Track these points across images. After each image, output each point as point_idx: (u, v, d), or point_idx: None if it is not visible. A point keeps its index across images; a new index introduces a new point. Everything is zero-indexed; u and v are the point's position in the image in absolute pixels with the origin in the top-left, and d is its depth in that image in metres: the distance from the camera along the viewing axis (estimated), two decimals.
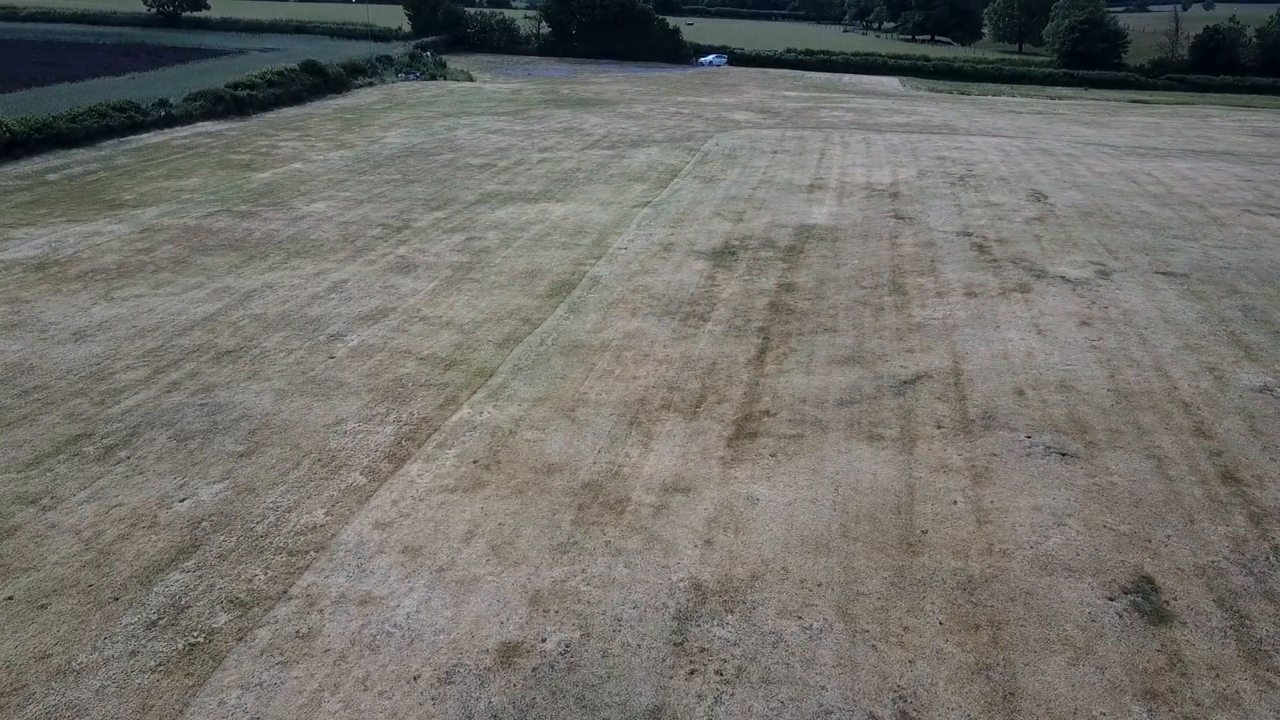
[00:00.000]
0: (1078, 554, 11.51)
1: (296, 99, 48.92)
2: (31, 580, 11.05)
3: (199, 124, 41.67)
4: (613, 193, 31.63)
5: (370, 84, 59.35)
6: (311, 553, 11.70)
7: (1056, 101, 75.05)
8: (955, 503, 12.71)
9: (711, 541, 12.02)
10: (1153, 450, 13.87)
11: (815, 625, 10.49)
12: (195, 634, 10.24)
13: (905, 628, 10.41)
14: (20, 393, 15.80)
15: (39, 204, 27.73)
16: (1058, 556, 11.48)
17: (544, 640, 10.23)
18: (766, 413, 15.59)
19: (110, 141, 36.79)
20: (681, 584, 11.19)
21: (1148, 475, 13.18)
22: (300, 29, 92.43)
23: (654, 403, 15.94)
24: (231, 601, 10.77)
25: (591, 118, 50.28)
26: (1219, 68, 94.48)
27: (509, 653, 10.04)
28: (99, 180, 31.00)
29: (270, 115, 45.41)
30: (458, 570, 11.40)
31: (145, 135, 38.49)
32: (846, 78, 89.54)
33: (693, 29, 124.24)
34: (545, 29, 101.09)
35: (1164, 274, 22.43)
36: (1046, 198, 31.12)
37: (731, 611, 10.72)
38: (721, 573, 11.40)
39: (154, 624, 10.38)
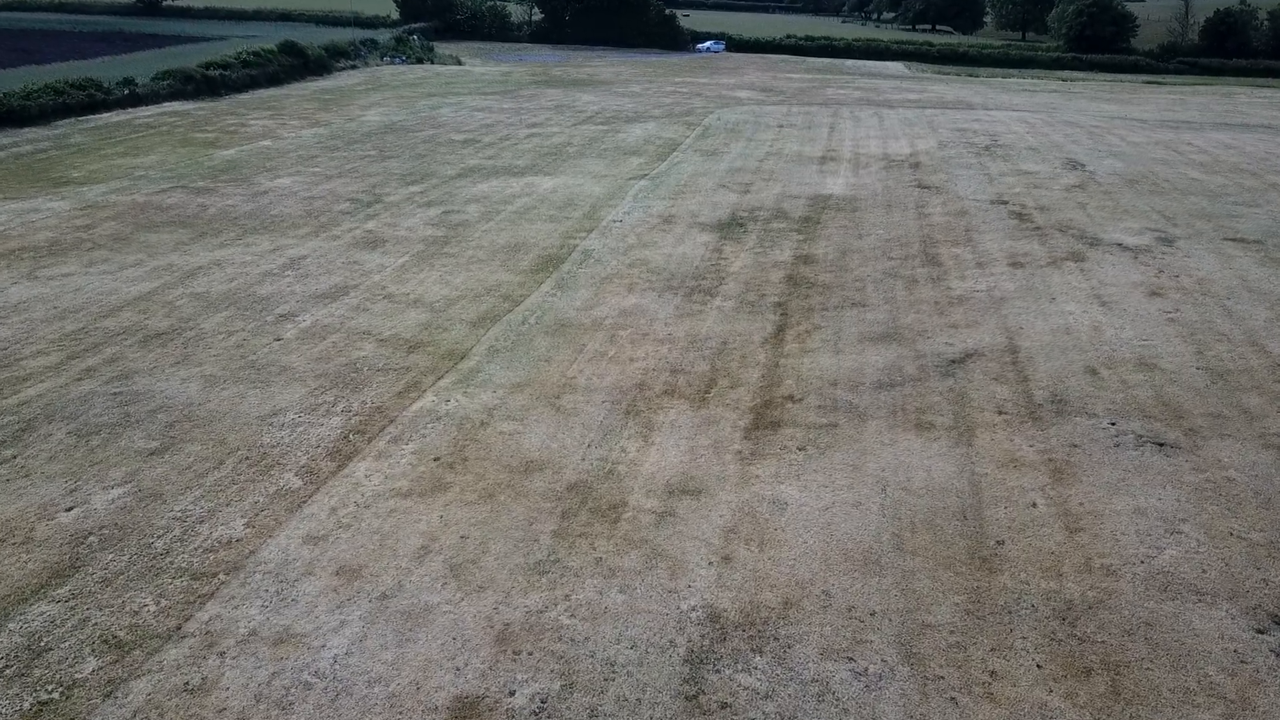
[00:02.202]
0: (1204, 571, 8.96)
1: (274, 80, 46.28)
2: None
3: (166, 104, 39.02)
4: (606, 166, 29.07)
5: (353, 67, 56.69)
6: (221, 575, 9.15)
7: (1070, 82, 72.42)
8: (1034, 505, 10.17)
9: (730, 558, 9.48)
10: (1270, 439, 11.31)
11: (872, 670, 7.94)
12: (49, 688, 7.69)
13: (992, 673, 7.86)
14: None
15: None
16: (1178, 574, 8.92)
17: (512, 693, 7.69)
18: (790, 398, 13.04)
19: (67, 120, 34.14)
20: (694, 614, 8.65)
21: (1272, 469, 10.63)
22: (285, 16, 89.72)
23: (655, 388, 13.39)
24: (106, 642, 8.22)
25: (584, 96, 47.67)
26: (1230, 51, 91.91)
27: (465, 711, 7.50)
28: (48, 158, 28.41)
29: (244, 96, 42.77)
30: (405, 598, 8.85)
31: (106, 115, 35.84)
32: (849, 62, 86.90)
33: (689, 20, 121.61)
34: (538, 15, 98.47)
35: (1234, 240, 19.87)
36: (1084, 166, 28.53)
37: (760, 651, 8.18)
38: (745, 598, 8.87)
39: None
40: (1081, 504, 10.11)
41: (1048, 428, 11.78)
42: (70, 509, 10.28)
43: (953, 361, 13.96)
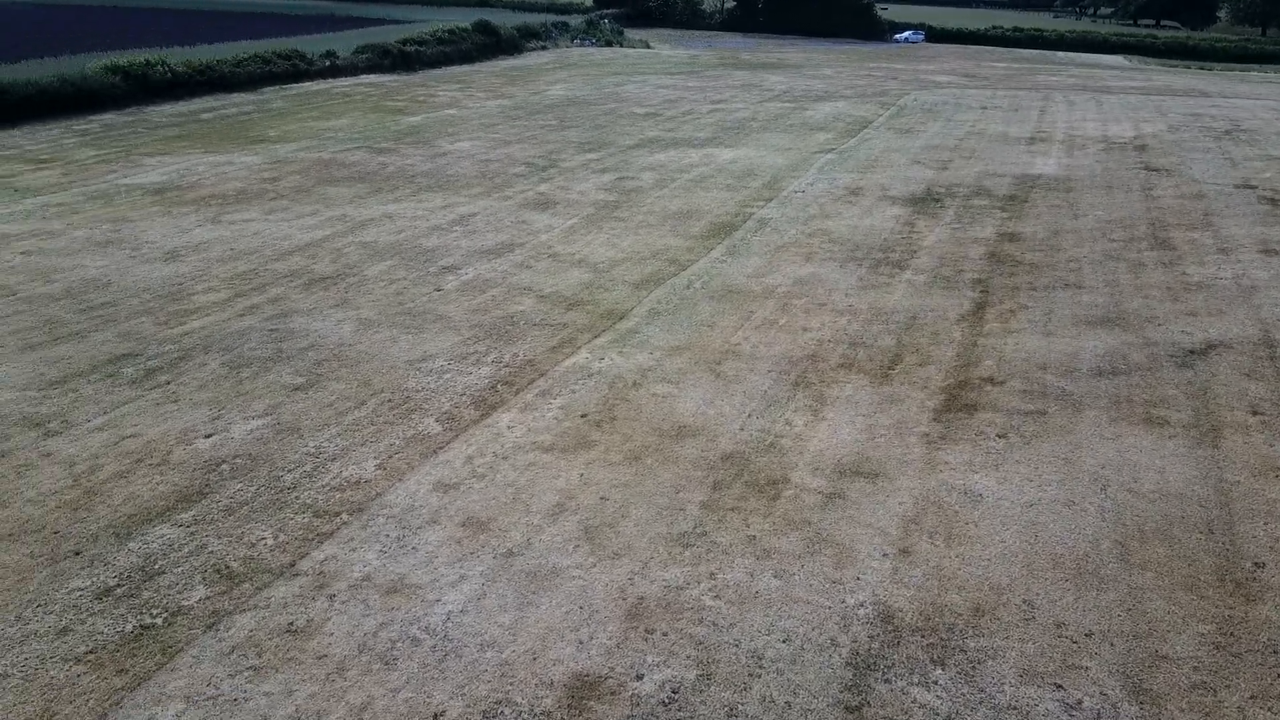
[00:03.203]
0: None
1: (466, 57, 47.21)
2: None
3: (363, 76, 40.39)
4: (791, 140, 27.54)
5: (543, 48, 57.31)
6: (344, 515, 8.50)
7: None
8: None
9: (910, 551, 8.00)
10: None
11: (1088, 704, 6.32)
12: (154, 612, 7.18)
13: None
14: (84, 309, 13.54)
15: (183, 138, 26.44)
16: None
17: (640, 677, 6.56)
18: (990, 380, 11.30)
19: (271, 88, 35.79)
20: (862, 611, 7.25)
21: None
22: (483, 2, 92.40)
23: (830, 360, 11.95)
24: (218, 572, 7.67)
25: (772, 77, 46.06)
26: None
27: (584, 691, 6.43)
28: (249, 120, 29.68)
29: (437, 71, 43.77)
30: (532, 557, 7.89)
31: (308, 84, 37.38)
32: (1061, 54, 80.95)
33: (889, 12, 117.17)
34: (730, 3, 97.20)
35: None
36: None
37: (942, 664, 6.70)
38: (925, 599, 7.38)
39: (108, 592, 7.40)
40: None
41: None
42: (209, 436, 9.95)
43: (1191, 352, 11.77)
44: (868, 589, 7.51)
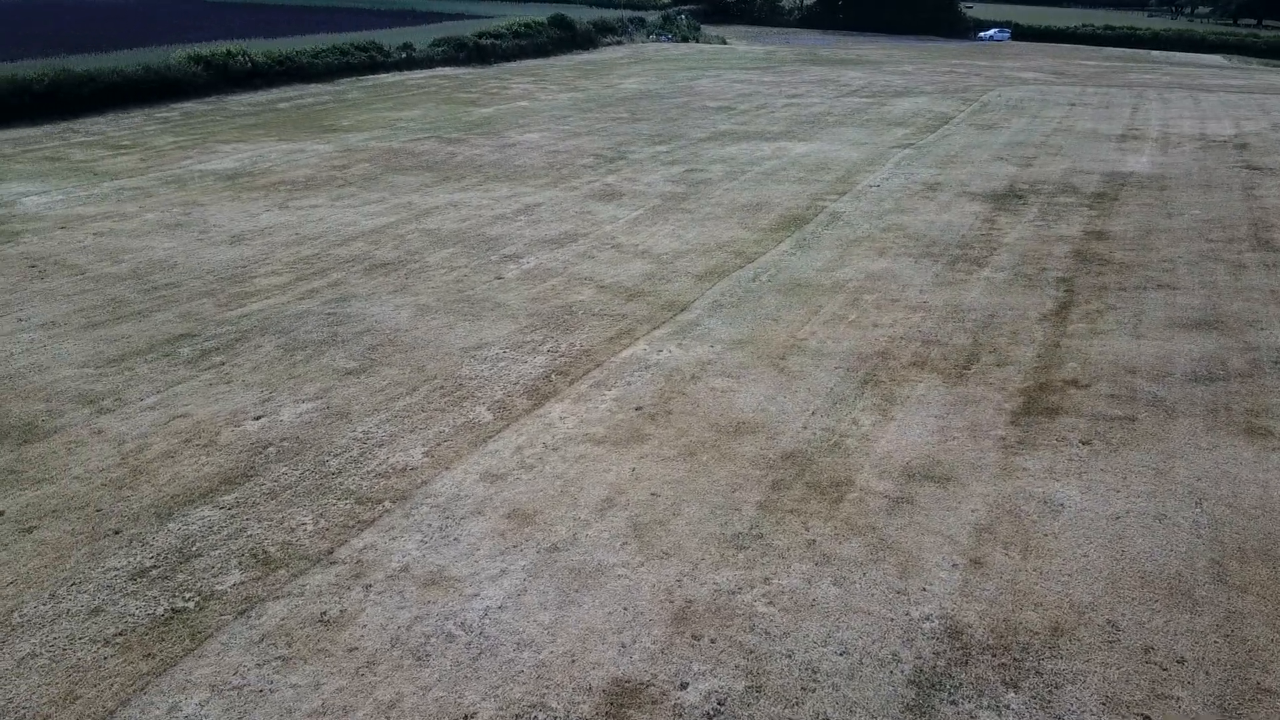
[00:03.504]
0: None
1: (541, 51, 47.19)
2: (37, 495, 8.28)
3: (438, 68, 40.61)
4: (867, 135, 26.73)
5: (619, 42, 57.04)
6: (386, 503, 8.23)
7: None
8: None
9: (982, 562, 7.40)
10: None
11: None
12: (188, 595, 6.99)
13: None
14: (147, 289, 13.61)
15: (258, 127, 26.80)
16: None
17: (684, 686, 6.12)
18: (1074, 383, 10.57)
19: (348, 79, 36.16)
20: (928, 625, 6.70)
21: None
22: None
23: (901, 358, 11.34)
24: (255, 557, 7.46)
25: (850, 72, 45.05)
26: None
27: (624, 698, 6.02)
28: (325, 110, 29.97)
29: (511, 64, 43.81)
30: (577, 553, 7.51)
31: (384, 75, 37.71)
32: (1155, 53, 77.82)
33: (973, 10, 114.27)
34: (810, 0, 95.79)
35: None
36: None
37: (1015, 686, 6.12)
38: (998, 615, 6.79)
39: (143, 573, 7.24)
40: None
41: None
42: (258, 418, 9.81)
43: None
44: (935, 601, 6.95)
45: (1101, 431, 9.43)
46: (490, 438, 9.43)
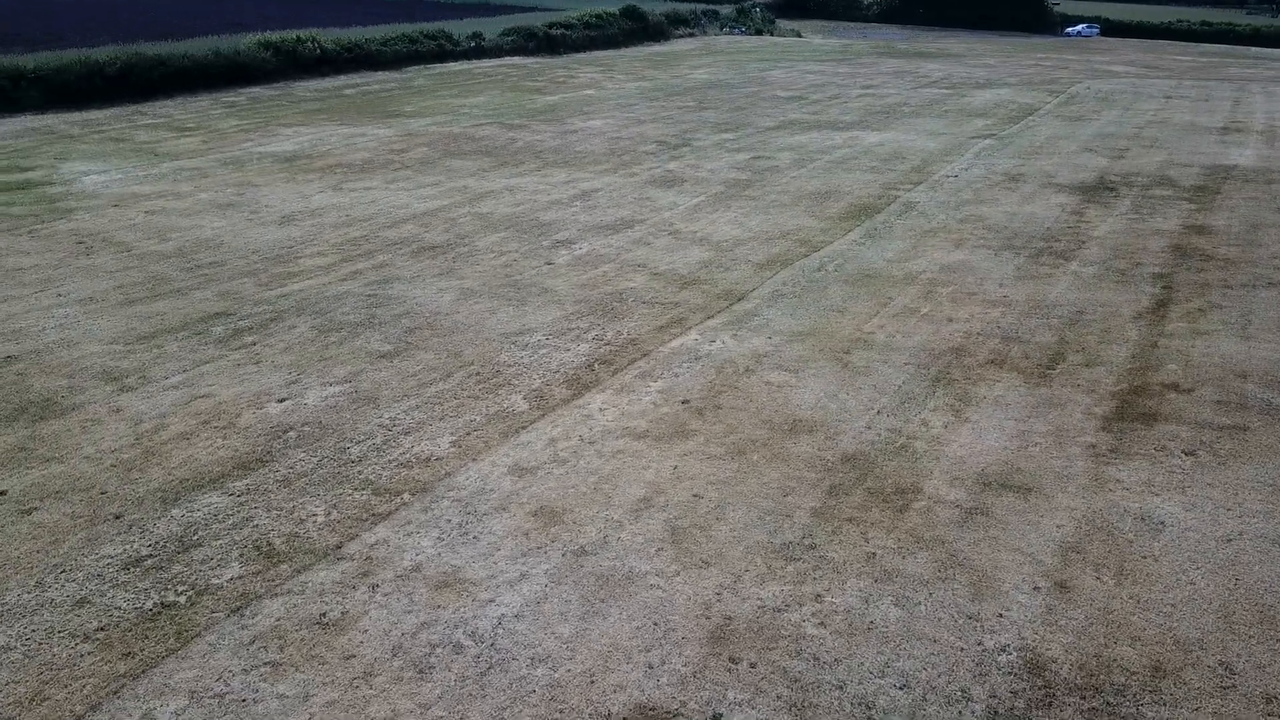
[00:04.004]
0: None
1: (611, 42, 46.59)
2: (44, 475, 7.84)
3: (507, 58, 40.26)
4: (945, 125, 25.45)
5: (691, 34, 56.16)
6: (405, 495, 7.58)
7: None
8: None
9: (1069, 586, 6.44)
10: None
11: None
12: (180, 589, 6.42)
13: None
14: (191, 267, 13.27)
15: (322, 112, 26.64)
16: None
17: (717, 717, 5.32)
18: (1174, 387, 9.46)
19: (415, 67, 35.99)
20: (1004, 657, 5.77)
21: None
22: None
23: (978, 355, 10.33)
24: (258, 549, 6.87)
25: (929, 64, 43.46)
26: None
27: None
28: (390, 96, 29.75)
29: (581, 55, 43.27)
30: (606, 558, 6.75)
31: (452, 64, 37.46)
32: (1254, 49, 74.06)
33: (1060, 6, 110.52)
34: None
35: None
36: None
37: None
38: (1088, 650, 5.84)
39: (137, 562, 6.69)
40: None
41: None
42: (283, 400, 9.26)
43: None
44: (1012, 630, 6.02)
45: (1208, 441, 8.33)
46: (523, 428, 8.72)
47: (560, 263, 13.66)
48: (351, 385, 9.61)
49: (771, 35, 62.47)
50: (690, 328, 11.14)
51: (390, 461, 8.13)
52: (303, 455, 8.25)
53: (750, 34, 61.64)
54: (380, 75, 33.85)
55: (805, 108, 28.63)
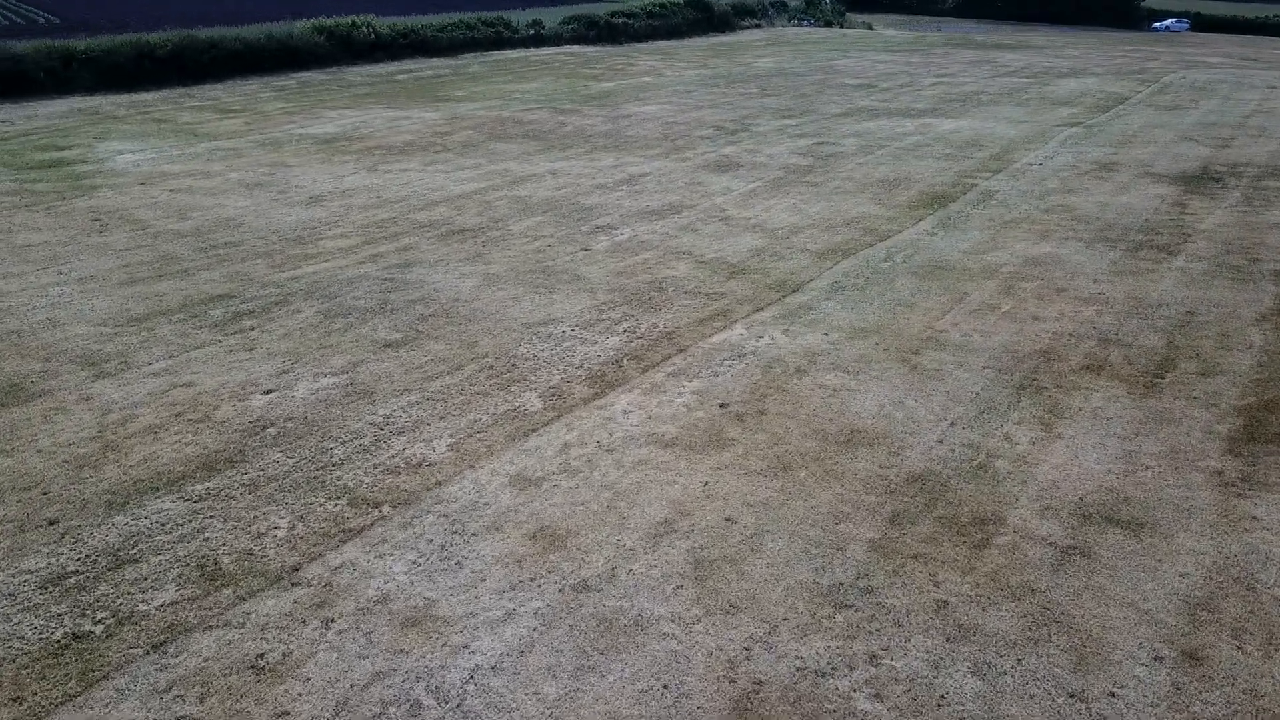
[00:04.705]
0: None
1: (675, 32, 45.27)
2: None
3: (566, 46, 39.23)
4: (1026, 113, 23.63)
5: (758, 25, 54.53)
6: (385, 507, 6.44)
7: None
8: None
9: (1202, 658, 5.01)
10: None
11: None
12: (100, 615, 5.35)
13: None
14: (206, 247, 12.38)
15: (371, 95, 25.85)
16: None
17: None
18: None
19: (472, 54, 35.14)
20: None
21: None
22: None
23: (1070, 359, 8.85)
24: (202, 569, 5.78)
25: (1008, 55, 41.27)
26: None
27: None
28: (442, 81, 28.90)
29: (643, 45, 42.03)
30: (612, 596, 5.51)
31: (509, 51, 36.55)
32: None
33: (1146, 1, 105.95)
34: None
35: None
36: None
37: None
38: None
39: (59, 580, 5.66)
40: None
41: None
42: (269, 392, 8.21)
43: None
44: (1130, 714, 4.62)
45: None
46: (534, 431, 7.53)
47: (598, 249, 12.45)
48: (348, 376, 8.52)
49: (842, 28, 60.52)
50: (735, 321, 9.83)
51: (375, 466, 7.00)
52: (278, 456, 7.16)
53: (819, 26, 59.78)
54: (435, 62, 33.05)
55: (875, 95, 26.99)
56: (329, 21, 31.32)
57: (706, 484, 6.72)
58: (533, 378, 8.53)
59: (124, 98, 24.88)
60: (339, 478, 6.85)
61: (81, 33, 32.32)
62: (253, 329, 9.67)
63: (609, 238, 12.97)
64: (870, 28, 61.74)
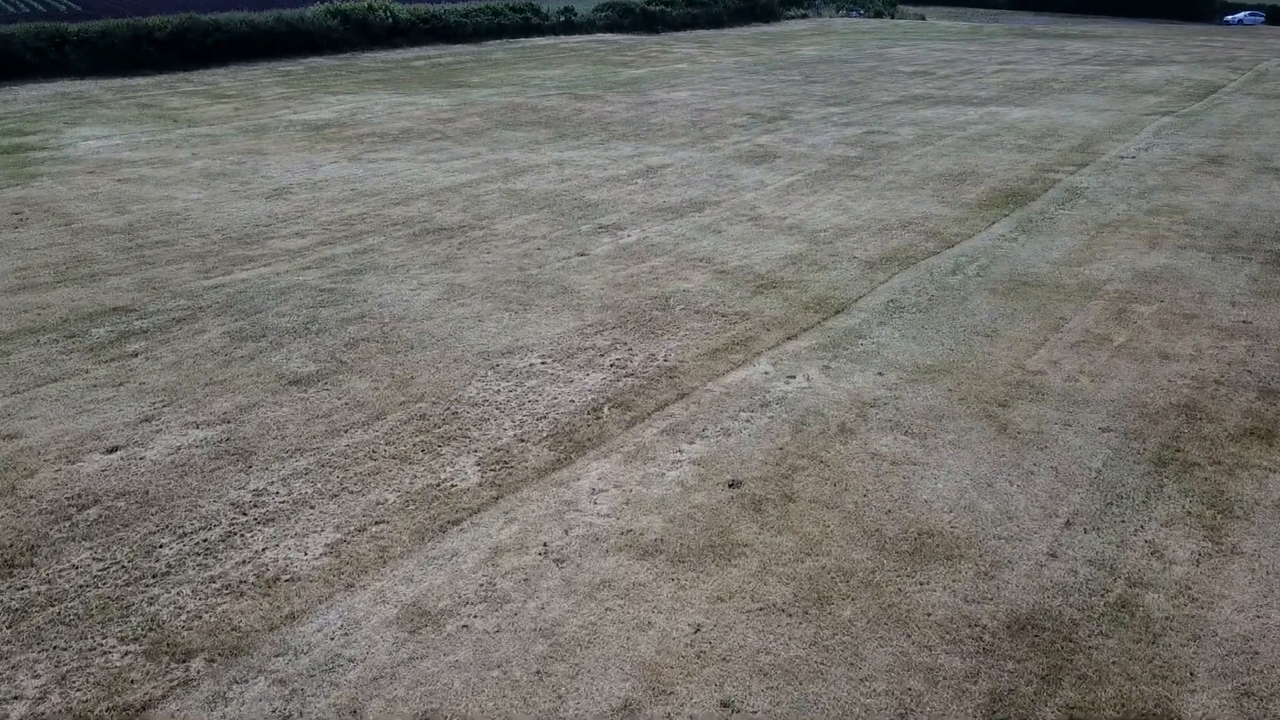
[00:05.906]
0: None
1: (715, 21, 42.73)
2: None
3: (599, 34, 36.89)
4: (1107, 102, 20.83)
5: (804, 15, 51.78)
6: (199, 661, 4.21)
7: None
8: None
9: None
10: None
11: None
12: None
13: None
14: (131, 246, 10.30)
15: (380, 82, 23.76)
16: None
17: None
18: None
19: (497, 41, 32.95)
20: None
21: None
22: None
23: (1223, 418, 6.34)
24: None
25: (1075, 43, 38.14)
26: None
27: None
28: (461, 68, 26.76)
29: (681, 33, 39.56)
30: None
31: (538, 39, 34.32)
32: None
33: None
34: None
35: None
36: None
37: None
38: None
39: None
40: None
41: None
42: (114, 450, 6.01)
43: None
44: None
45: None
46: (456, 523, 5.23)
47: (597, 253, 10.13)
48: (227, 428, 6.29)
49: (893, 19, 57.55)
50: (759, 353, 7.44)
51: (212, 581, 4.75)
52: (84, 557, 4.94)
53: (869, 16, 56.87)
54: (457, 48, 30.92)
55: (932, 83, 24.31)
56: (345, 5, 29.35)
57: (699, 630, 4.36)
58: (475, 434, 6.23)
59: (116, 82, 23.05)
60: (152, 601, 4.60)
61: (105, 15, 30.73)
62: (135, 355, 7.49)
63: (612, 240, 10.64)
64: (923, 19, 58.65)
